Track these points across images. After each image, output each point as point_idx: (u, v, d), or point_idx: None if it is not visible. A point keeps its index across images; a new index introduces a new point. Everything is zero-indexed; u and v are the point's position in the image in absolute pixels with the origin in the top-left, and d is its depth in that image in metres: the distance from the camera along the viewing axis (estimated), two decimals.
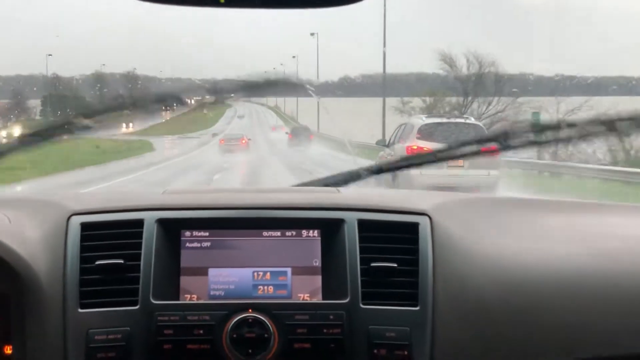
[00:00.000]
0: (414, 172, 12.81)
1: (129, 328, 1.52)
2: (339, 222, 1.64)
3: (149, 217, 1.63)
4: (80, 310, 1.54)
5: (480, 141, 1.96)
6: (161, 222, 1.63)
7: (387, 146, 14.46)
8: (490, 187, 12.38)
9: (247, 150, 34.63)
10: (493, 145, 1.95)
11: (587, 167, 18.43)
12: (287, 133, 42.41)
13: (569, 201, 2.00)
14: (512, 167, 17.72)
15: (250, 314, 1.53)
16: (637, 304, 1.56)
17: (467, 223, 1.74)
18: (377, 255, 1.61)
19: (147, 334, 1.52)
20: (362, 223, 1.64)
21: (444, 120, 13.61)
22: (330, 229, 1.64)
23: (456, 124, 13.60)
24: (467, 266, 1.61)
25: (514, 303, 1.56)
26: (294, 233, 1.64)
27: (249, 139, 38.76)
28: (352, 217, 1.65)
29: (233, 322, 1.52)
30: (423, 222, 1.67)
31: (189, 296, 1.59)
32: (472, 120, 14.45)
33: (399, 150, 13.43)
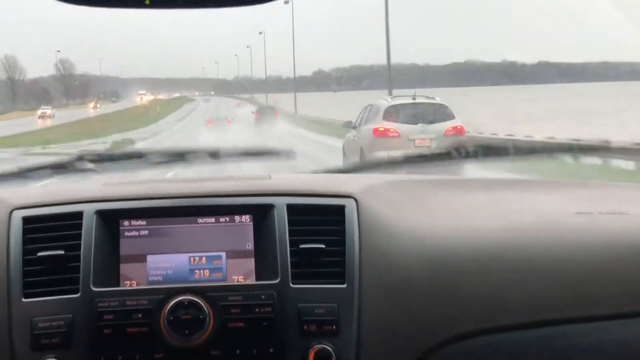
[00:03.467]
0: (381, 153, 12.98)
1: (70, 315, 1.60)
2: (269, 207, 1.73)
3: (88, 209, 1.71)
4: (24, 299, 1.62)
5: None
6: (100, 213, 1.71)
7: (354, 128, 14.54)
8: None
9: (231, 128, 36.60)
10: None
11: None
12: (253, 113, 43.39)
13: (492, 179, 2.11)
14: None
15: (185, 296, 1.62)
16: (549, 273, 1.68)
17: (393, 204, 1.84)
18: (305, 237, 1.71)
19: (88, 320, 1.60)
20: (290, 207, 1.74)
21: (410, 101, 13.68)
22: (261, 214, 1.73)
23: (422, 104, 13.70)
24: (392, 244, 1.71)
25: (437, 277, 1.67)
26: (227, 219, 1.73)
27: (232, 119, 41.07)
28: (281, 202, 1.74)
29: (170, 305, 1.60)
30: (349, 204, 1.76)
31: (128, 282, 1.67)
32: (438, 100, 14.52)
33: (365, 132, 13.53)
